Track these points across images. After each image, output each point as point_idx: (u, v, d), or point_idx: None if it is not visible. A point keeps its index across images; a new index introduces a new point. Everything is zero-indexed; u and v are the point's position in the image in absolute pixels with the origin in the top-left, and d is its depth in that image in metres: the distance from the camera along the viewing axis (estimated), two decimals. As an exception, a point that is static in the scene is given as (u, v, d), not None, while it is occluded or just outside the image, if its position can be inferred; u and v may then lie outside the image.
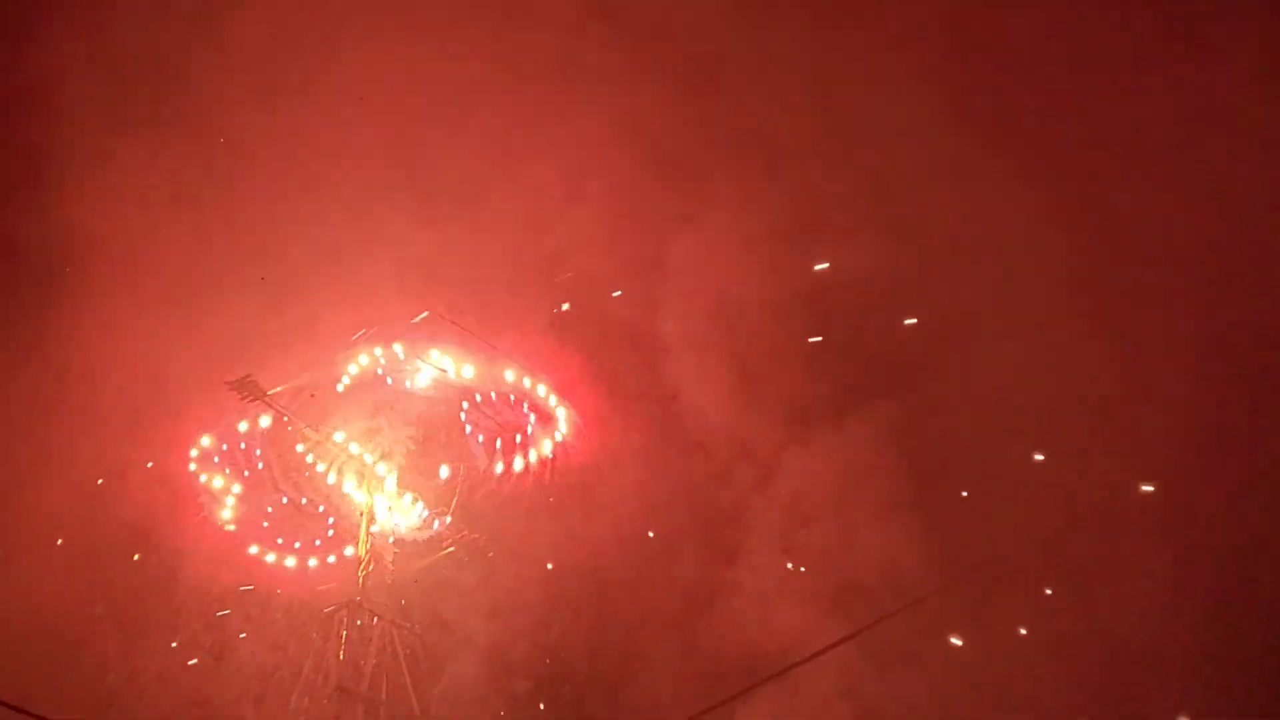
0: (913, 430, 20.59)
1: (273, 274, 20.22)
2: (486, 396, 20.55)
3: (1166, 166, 19.14)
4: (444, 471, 20.36)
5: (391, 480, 19.98)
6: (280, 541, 20.44)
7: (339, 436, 19.77)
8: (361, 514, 19.83)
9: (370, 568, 19.72)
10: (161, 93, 21.69)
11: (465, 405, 20.64)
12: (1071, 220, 19.84)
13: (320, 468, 19.89)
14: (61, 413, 20.40)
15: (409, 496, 20.16)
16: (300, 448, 19.98)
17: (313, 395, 19.71)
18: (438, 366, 19.87)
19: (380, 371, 20.25)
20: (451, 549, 20.59)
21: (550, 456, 20.42)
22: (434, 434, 20.75)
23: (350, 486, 19.99)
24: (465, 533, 20.45)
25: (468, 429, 20.70)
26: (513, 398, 20.50)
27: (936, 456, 20.70)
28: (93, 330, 20.31)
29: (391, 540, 20.09)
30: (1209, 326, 18.94)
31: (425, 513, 20.25)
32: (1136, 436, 19.54)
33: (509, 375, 20.23)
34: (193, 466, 20.12)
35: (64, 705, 18.24)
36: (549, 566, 21.16)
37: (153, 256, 20.63)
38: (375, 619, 19.62)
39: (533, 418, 20.49)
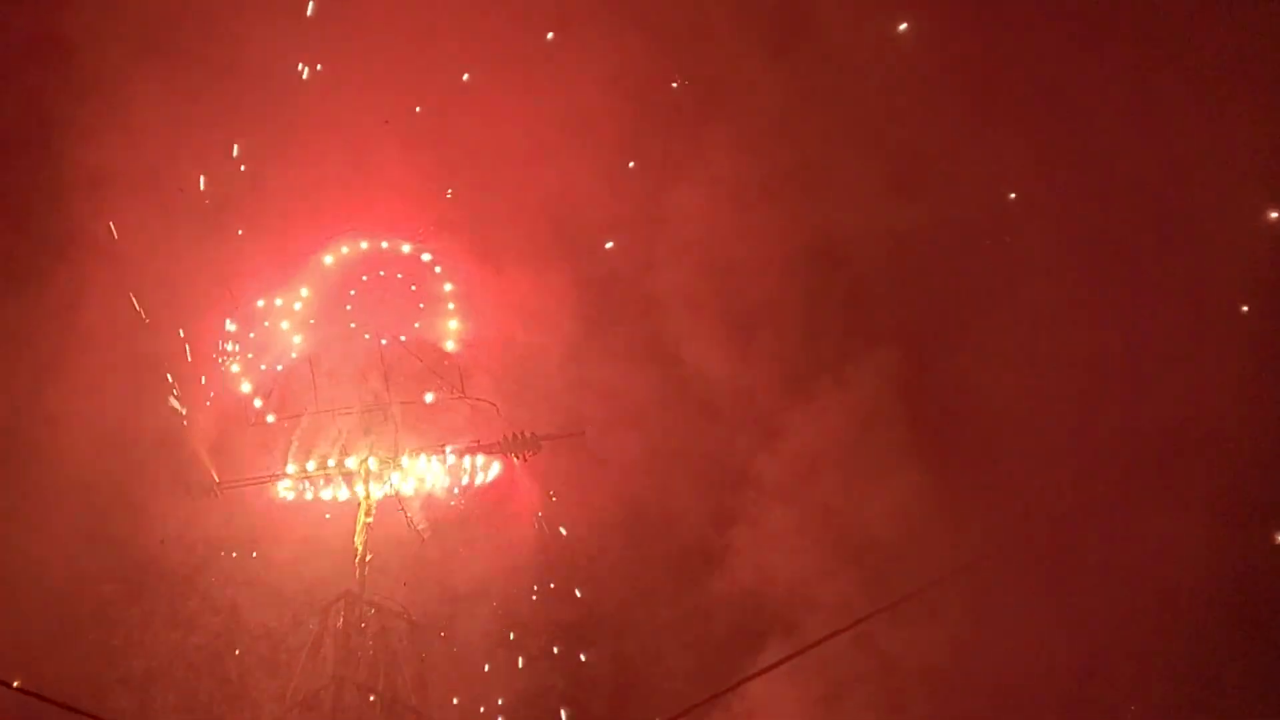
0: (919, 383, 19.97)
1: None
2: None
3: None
4: (429, 397, 19.51)
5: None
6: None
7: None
8: (360, 502, 19.34)
9: (369, 558, 19.09)
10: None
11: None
12: (1081, 172, 19.30)
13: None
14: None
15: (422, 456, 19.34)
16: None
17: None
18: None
19: None
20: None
21: None
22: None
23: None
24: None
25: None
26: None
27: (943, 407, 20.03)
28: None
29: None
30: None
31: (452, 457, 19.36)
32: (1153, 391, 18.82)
33: None
34: None
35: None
36: (562, 531, 20.64)
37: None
38: (373, 610, 19.20)
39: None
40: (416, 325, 19.65)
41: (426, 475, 19.55)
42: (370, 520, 19.17)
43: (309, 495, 19.44)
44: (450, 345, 19.62)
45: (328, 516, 19.63)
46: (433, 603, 19.97)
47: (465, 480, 19.70)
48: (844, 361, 20.18)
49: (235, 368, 19.44)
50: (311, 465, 19.15)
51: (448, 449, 19.34)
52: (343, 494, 19.44)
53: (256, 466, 19.28)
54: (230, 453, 19.41)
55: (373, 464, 19.30)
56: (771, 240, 20.02)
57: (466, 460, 19.48)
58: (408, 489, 19.41)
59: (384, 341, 19.49)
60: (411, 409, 19.33)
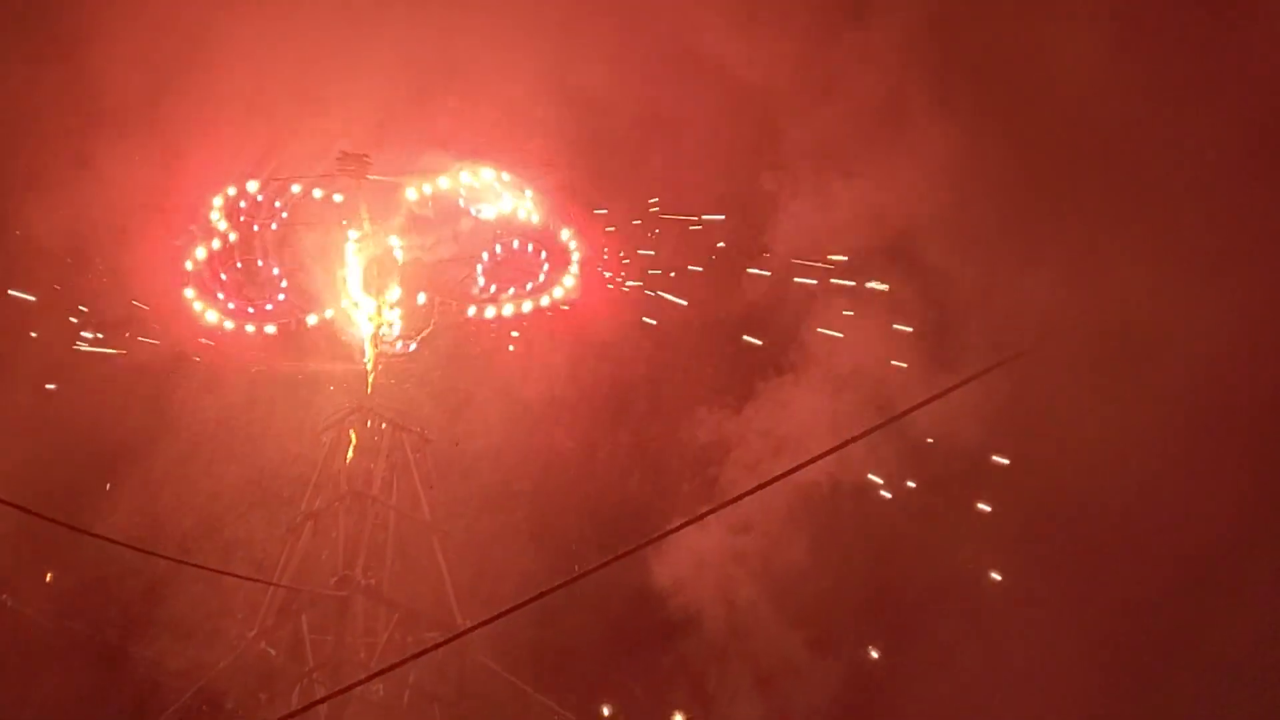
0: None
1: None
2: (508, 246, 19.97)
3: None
4: (421, 298, 19.65)
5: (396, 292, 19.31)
6: (232, 307, 19.60)
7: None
8: (371, 318, 19.33)
9: (378, 367, 19.18)
10: None
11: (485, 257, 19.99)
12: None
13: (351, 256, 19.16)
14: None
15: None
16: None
17: None
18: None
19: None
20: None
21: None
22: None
23: (356, 287, 19.23)
24: None
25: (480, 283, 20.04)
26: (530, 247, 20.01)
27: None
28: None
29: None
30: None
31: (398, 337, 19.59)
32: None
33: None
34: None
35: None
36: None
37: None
38: (384, 424, 19.27)
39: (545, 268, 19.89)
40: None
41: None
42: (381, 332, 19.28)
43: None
44: None
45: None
46: (441, 421, 19.98)
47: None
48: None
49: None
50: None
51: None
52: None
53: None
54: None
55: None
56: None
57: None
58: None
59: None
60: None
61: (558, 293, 19.88)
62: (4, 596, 19.17)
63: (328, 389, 19.87)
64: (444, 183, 19.40)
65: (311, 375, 19.86)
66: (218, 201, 19.45)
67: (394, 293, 19.36)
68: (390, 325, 19.41)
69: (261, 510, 19.54)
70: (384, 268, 19.32)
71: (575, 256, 20.00)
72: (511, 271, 20.07)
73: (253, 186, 19.34)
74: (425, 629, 18.26)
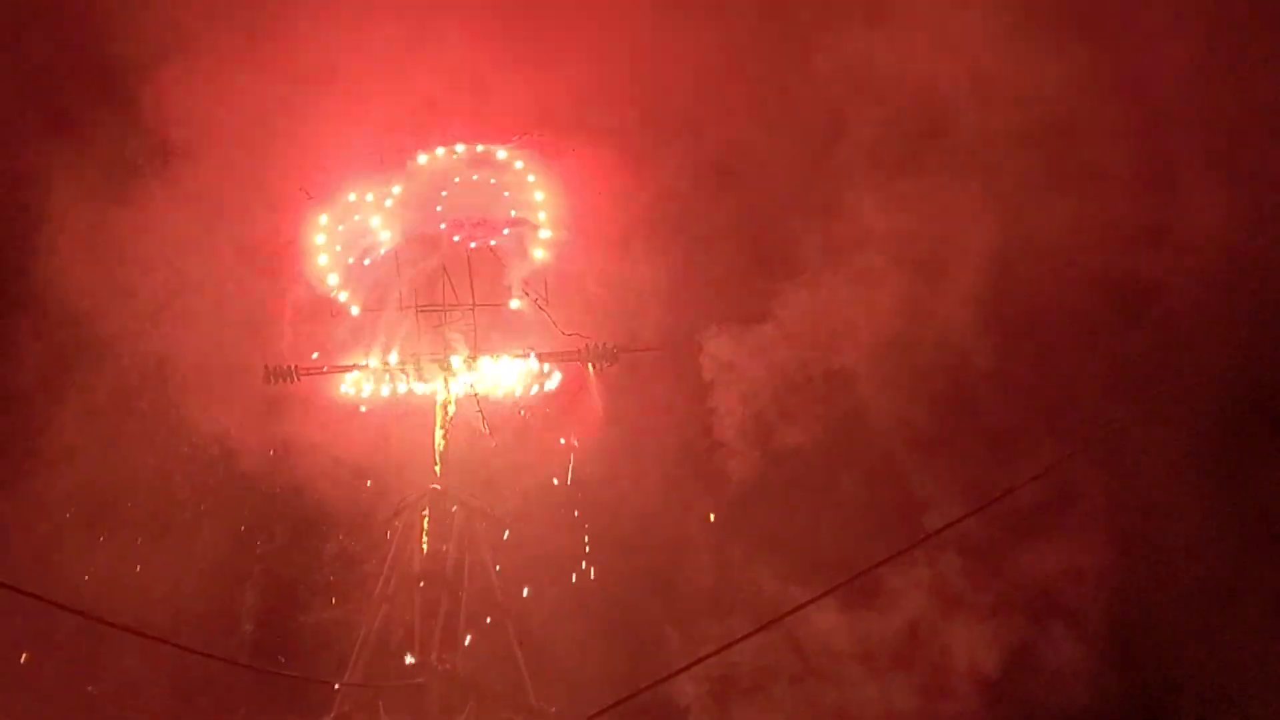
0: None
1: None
2: None
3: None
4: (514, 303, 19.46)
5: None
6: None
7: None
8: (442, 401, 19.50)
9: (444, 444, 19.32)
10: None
11: None
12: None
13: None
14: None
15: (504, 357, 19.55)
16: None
17: None
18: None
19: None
20: None
21: None
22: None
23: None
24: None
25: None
26: None
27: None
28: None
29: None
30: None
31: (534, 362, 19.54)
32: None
33: None
34: None
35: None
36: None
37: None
38: (455, 507, 19.25)
39: None
40: (506, 232, 19.34)
41: (503, 376, 19.69)
42: (451, 416, 19.34)
43: (386, 391, 19.47)
44: (539, 254, 19.37)
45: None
46: (509, 500, 19.94)
47: (535, 388, 19.90)
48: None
49: (323, 259, 19.26)
50: (394, 358, 19.15)
51: (531, 354, 19.40)
52: (419, 387, 19.49)
53: (338, 359, 19.39)
54: (315, 344, 19.51)
55: (455, 362, 19.35)
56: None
57: (537, 365, 19.67)
58: (485, 386, 19.53)
59: (473, 245, 19.38)
60: (491, 313, 19.39)
61: None
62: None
63: (399, 472, 19.83)
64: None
65: (383, 457, 19.85)
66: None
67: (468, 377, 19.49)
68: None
69: (337, 595, 19.76)
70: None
71: None
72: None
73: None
74: (502, 712, 18.27)
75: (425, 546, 18.89)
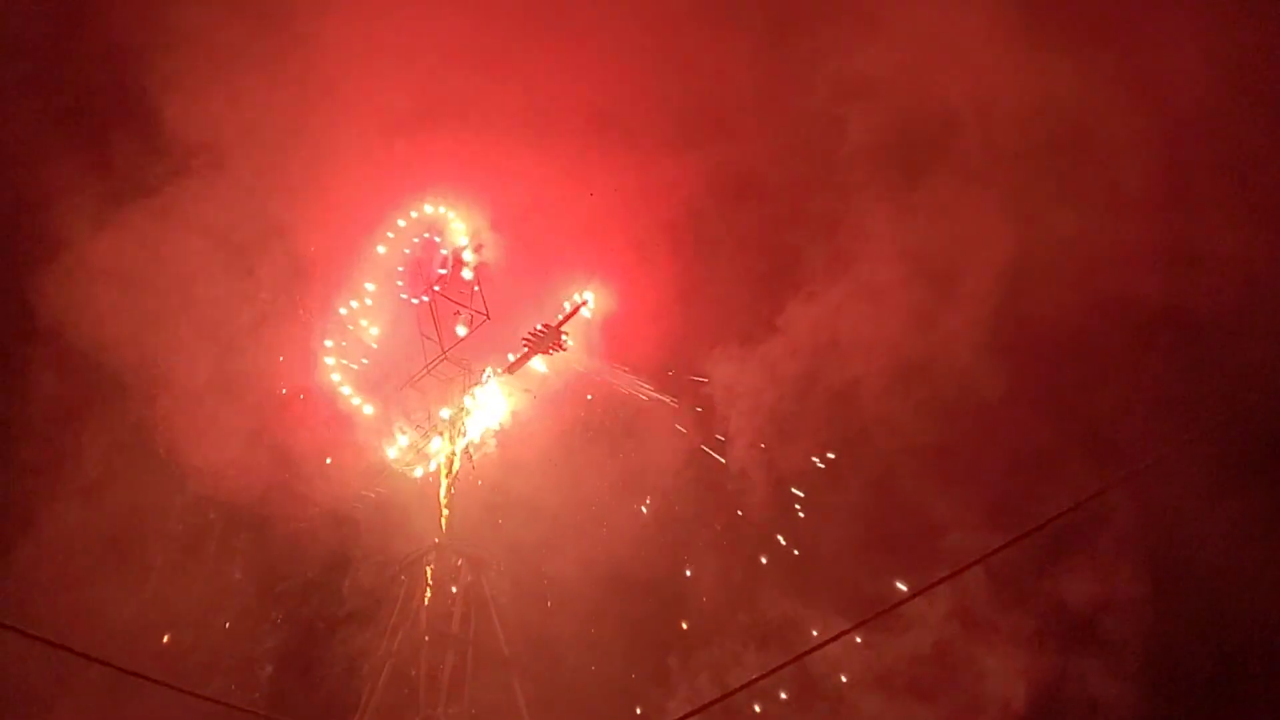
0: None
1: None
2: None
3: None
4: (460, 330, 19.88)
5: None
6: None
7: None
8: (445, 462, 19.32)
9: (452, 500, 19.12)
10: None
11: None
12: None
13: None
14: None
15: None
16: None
17: None
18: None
19: None
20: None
21: None
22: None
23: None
24: None
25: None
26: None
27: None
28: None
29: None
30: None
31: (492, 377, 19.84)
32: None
33: None
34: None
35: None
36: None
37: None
38: (459, 560, 19.06)
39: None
40: (442, 271, 20.03)
41: (494, 403, 19.76)
42: (456, 470, 19.15)
43: (419, 471, 19.60)
44: (467, 274, 19.76)
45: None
46: (513, 551, 19.56)
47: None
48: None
49: (336, 377, 19.86)
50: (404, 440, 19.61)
51: (486, 371, 19.63)
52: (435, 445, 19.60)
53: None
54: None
55: (444, 414, 19.47)
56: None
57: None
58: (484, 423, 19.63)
59: (424, 299, 19.96)
60: (469, 352, 19.71)
61: None
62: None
63: (402, 528, 19.58)
64: None
65: (386, 516, 19.68)
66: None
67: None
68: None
69: (341, 651, 19.24)
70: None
71: None
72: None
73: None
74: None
75: (428, 600, 18.59)
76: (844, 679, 18.43)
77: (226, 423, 18.87)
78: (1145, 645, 18.09)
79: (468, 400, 19.58)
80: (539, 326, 19.27)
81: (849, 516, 19.62)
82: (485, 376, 19.63)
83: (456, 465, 19.23)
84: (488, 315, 19.58)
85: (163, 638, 19.34)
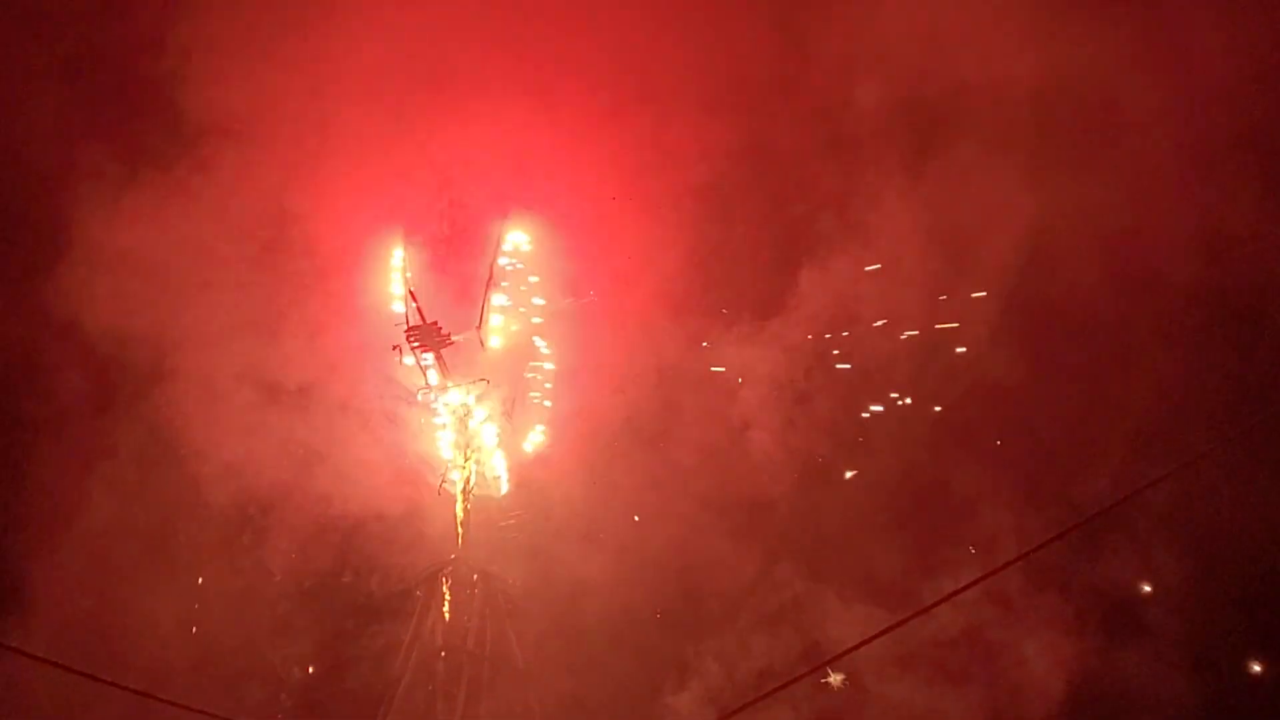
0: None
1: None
2: None
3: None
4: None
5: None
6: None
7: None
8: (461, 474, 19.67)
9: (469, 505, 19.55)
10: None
11: None
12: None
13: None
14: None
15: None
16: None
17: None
18: None
19: None
20: None
21: None
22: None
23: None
24: None
25: None
26: None
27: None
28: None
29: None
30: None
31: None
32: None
33: None
34: None
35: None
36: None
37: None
38: (475, 575, 19.57)
39: None
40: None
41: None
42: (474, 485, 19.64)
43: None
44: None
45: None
46: (532, 567, 20.05)
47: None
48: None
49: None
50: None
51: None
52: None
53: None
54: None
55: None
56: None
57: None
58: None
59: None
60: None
61: None
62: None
63: (420, 543, 19.91)
64: None
65: (403, 530, 19.87)
66: None
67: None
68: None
69: (357, 668, 19.66)
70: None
71: None
72: None
73: None
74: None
75: (446, 615, 19.12)
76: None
77: (254, 419, 19.17)
78: (1187, 633, 18.34)
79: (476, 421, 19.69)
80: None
81: (880, 496, 19.88)
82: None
83: (473, 480, 19.63)
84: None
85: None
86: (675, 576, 19.76)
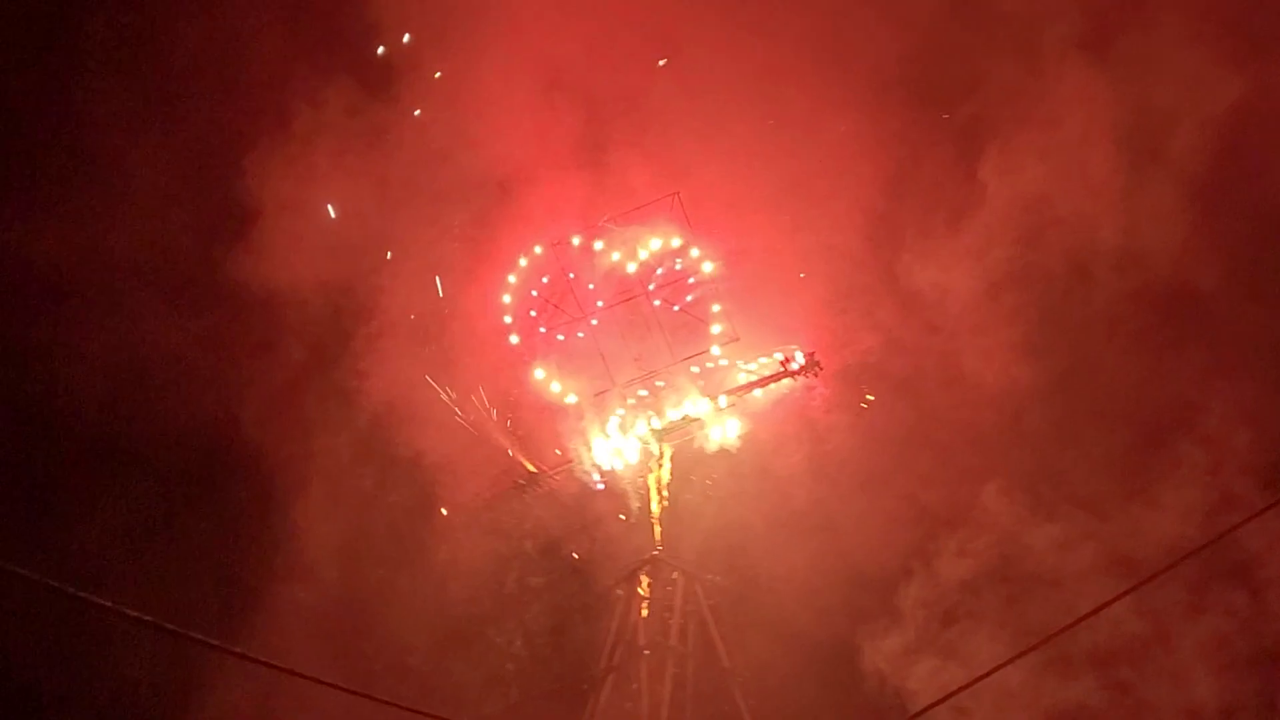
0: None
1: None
2: None
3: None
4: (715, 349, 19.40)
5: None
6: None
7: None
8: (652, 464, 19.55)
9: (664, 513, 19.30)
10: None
11: None
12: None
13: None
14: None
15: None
16: None
17: None
18: None
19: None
20: None
21: None
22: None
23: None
24: None
25: None
26: None
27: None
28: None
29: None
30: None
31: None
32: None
33: None
34: None
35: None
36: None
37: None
38: (675, 574, 19.16)
39: None
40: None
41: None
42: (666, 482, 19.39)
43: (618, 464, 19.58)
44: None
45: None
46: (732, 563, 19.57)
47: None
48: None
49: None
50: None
51: (720, 398, 19.30)
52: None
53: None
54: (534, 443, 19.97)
55: (656, 423, 19.44)
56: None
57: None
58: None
59: (656, 303, 19.44)
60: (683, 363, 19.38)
61: None
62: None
63: (615, 543, 19.86)
64: None
65: (598, 531, 19.98)
66: None
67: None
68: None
69: (558, 669, 19.82)
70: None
71: None
72: None
73: None
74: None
75: (646, 613, 18.83)
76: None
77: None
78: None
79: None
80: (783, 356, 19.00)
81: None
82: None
83: (665, 478, 19.42)
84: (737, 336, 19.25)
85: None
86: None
